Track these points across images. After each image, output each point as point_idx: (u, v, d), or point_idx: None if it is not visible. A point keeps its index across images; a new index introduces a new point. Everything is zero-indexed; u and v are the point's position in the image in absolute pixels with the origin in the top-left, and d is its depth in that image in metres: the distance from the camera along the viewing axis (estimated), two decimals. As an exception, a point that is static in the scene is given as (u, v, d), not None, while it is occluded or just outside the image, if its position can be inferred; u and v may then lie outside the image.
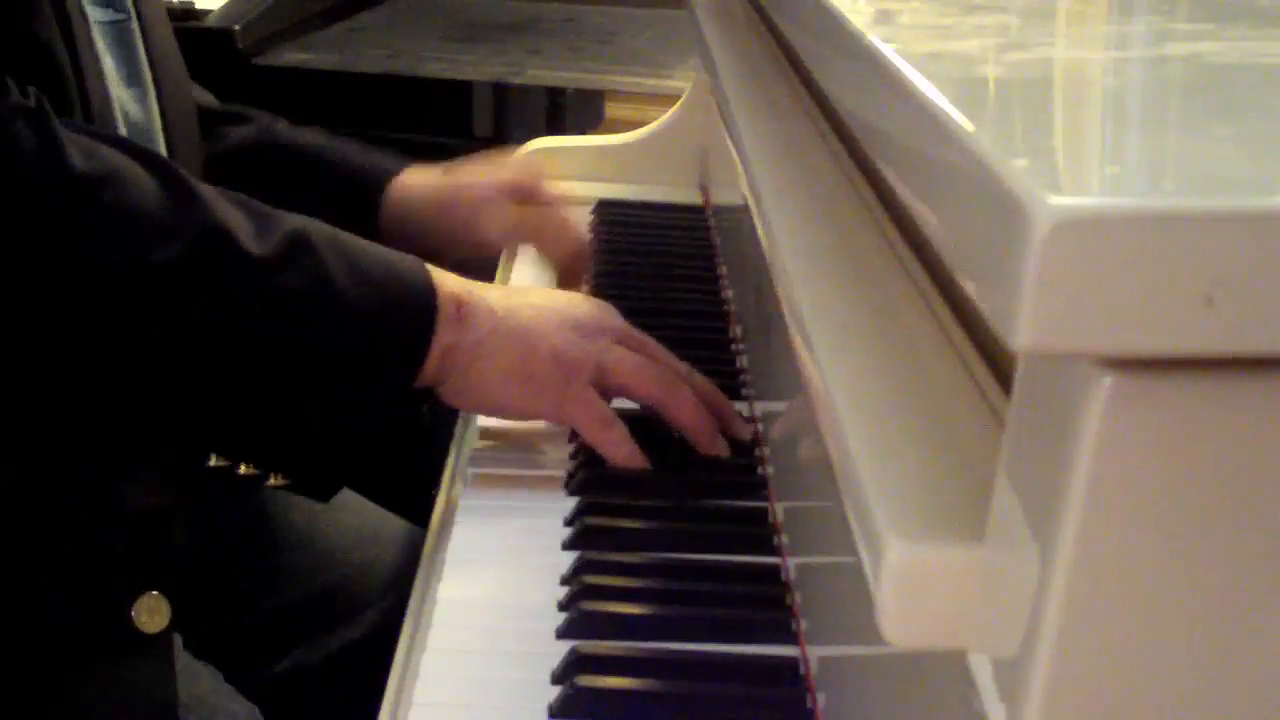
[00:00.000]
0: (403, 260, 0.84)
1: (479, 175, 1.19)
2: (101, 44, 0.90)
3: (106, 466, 0.85)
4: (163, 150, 0.96)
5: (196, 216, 0.76)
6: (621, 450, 0.88)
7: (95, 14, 0.91)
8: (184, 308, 0.77)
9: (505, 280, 1.20)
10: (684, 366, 0.92)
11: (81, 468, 0.84)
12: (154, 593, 0.85)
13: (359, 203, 1.12)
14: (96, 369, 0.79)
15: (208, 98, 1.16)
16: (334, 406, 0.84)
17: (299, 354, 0.80)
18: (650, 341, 0.92)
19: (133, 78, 0.94)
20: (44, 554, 0.84)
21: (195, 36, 1.78)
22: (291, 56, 1.85)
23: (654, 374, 0.89)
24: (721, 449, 0.90)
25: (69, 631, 0.84)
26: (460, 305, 0.84)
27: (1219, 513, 0.33)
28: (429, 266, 0.85)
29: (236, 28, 1.79)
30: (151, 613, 0.85)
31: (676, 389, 0.90)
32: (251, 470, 0.84)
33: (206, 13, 1.84)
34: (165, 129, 0.97)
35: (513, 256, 1.23)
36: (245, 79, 1.77)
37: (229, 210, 0.78)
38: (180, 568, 0.88)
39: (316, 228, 0.81)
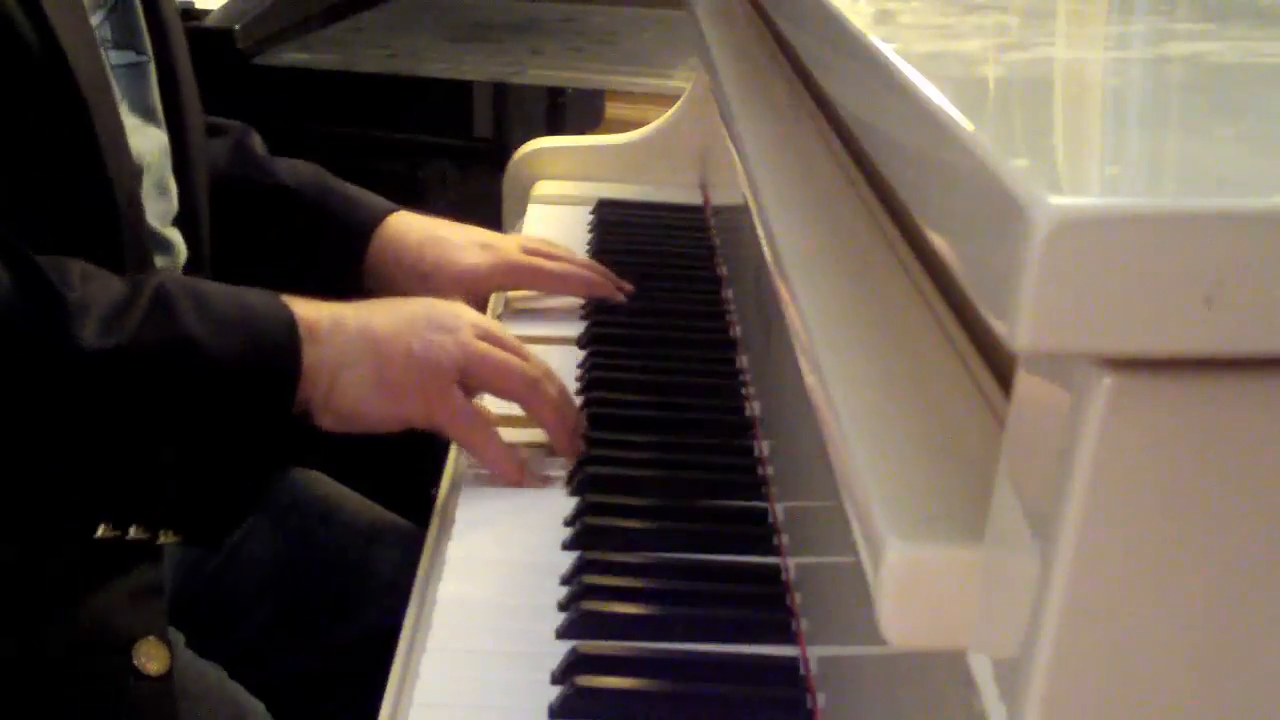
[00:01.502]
0: (257, 295, 0.85)
1: (471, 261, 1.12)
2: (118, 86, 0.90)
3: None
4: (173, 185, 0.97)
5: (53, 326, 0.77)
6: (490, 452, 0.88)
7: (115, 58, 0.92)
8: (51, 404, 0.78)
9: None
10: (543, 365, 0.92)
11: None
12: (151, 638, 0.85)
13: (340, 255, 1.11)
14: None
15: None
16: (213, 452, 0.84)
17: (170, 411, 0.80)
18: (509, 337, 0.92)
19: (148, 116, 0.95)
20: (43, 605, 0.85)
21: (195, 36, 1.77)
22: (291, 56, 1.85)
23: (517, 371, 0.89)
24: (578, 452, 0.91)
25: (70, 675, 0.84)
26: (313, 326, 0.84)
27: (1219, 512, 0.33)
28: (281, 296, 0.85)
29: (236, 28, 1.79)
30: (151, 658, 0.85)
31: (538, 387, 0.90)
32: (141, 534, 0.85)
33: (206, 13, 1.84)
34: (177, 166, 0.97)
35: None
36: (245, 79, 1.77)
37: (90, 297, 0.78)
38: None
39: (175, 283, 0.82)
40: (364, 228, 1.10)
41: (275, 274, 1.06)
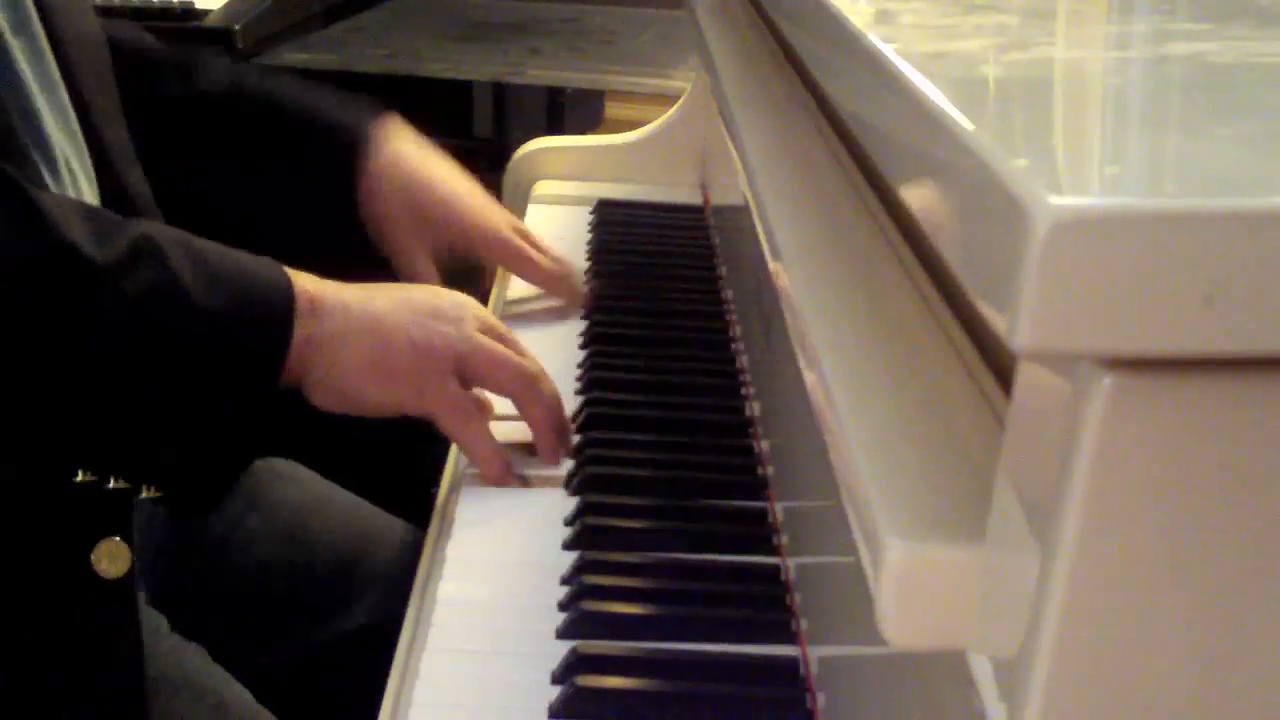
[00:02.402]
0: (257, 261, 0.84)
1: (477, 212, 1.13)
2: None
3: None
4: (62, 86, 0.93)
5: (42, 235, 0.75)
6: (480, 447, 0.88)
7: None
8: (34, 327, 0.76)
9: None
10: (538, 367, 0.91)
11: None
12: (115, 538, 0.84)
13: (335, 167, 1.10)
14: None
15: (150, 39, 1.14)
16: (198, 411, 0.83)
17: (153, 360, 0.79)
18: (510, 334, 0.92)
19: (18, 24, 0.91)
20: None
21: (195, 36, 1.78)
22: (291, 56, 1.85)
23: (513, 368, 0.89)
24: (563, 460, 0.91)
25: (27, 576, 0.84)
26: (314, 300, 0.83)
27: (1219, 512, 0.33)
28: (284, 267, 0.84)
29: (236, 28, 1.79)
30: (113, 558, 0.84)
31: (533, 387, 0.90)
32: (121, 484, 0.84)
33: (206, 13, 1.84)
34: (63, 66, 0.93)
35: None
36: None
37: (73, 222, 0.77)
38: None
39: (164, 232, 0.81)
40: (349, 160, 1.09)
41: (256, 203, 1.06)
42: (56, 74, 0.92)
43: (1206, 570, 0.34)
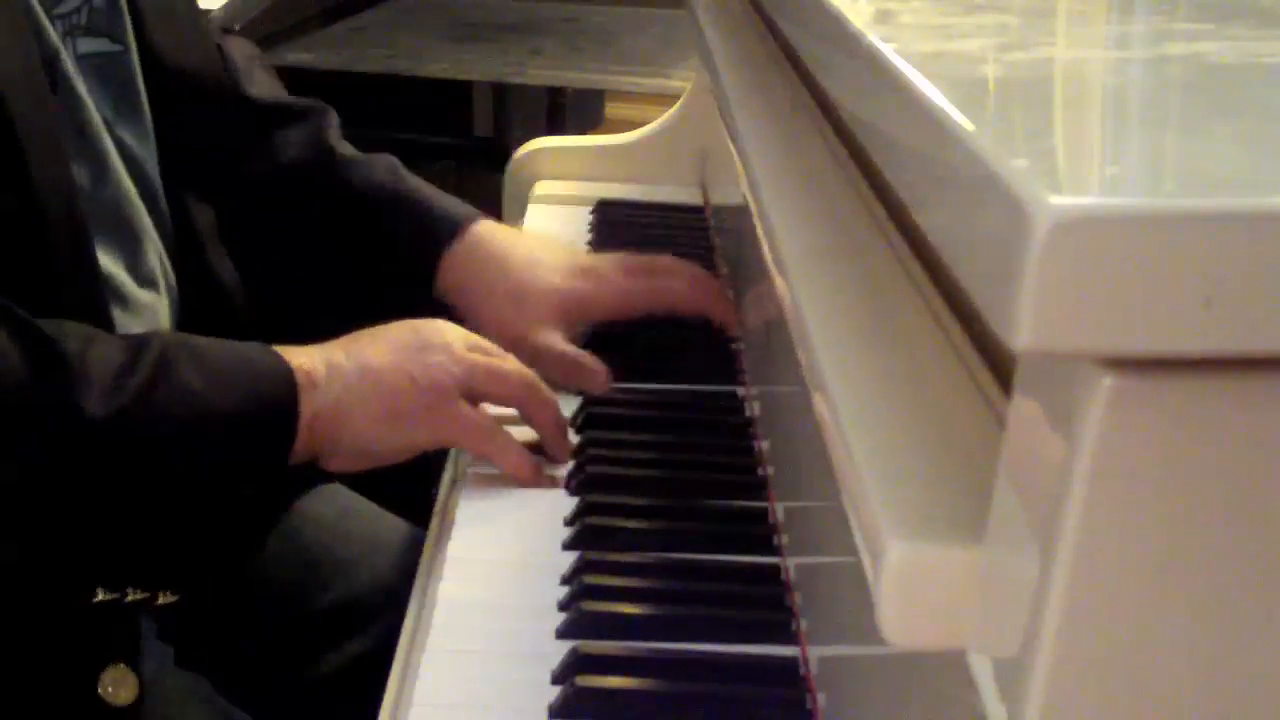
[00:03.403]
0: (249, 348, 0.84)
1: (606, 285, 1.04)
2: (82, 79, 0.88)
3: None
4: (159, 190, 0.95)
5: (56, 394, 0.76)
6: (510, 458, 0.88)
7: (83, 46, 0.90)
8: (55, 474, 0.77)
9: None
10: (530, 373, 0.91)
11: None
12: (121, 665, 0.85)
13: (416, 261, 1.05)
14: None
15: (262, 89, 1.12)
16: (215, 511, 0.85)
17: (181, 480, 0.81)
18: (495, 346, 0.92)
19: (123, 113, 0.93)
20: (6, 630, 0.84)
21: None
22: (291, 56, 1.85)
23: (514, 379, 0.90)
24: (567, 454, 0.91)
25: (34, 702, 0.84)
26: (310, 374, 0.83)
27: (1218, 513, 0.33)
28: (274, 348, 0.85)
29: (236, 28, 1.79)
30: (120, 685, 0.84)
31: (535, 393, 0.90)
32: (138, 595, 0.84)
33: (207, 13, 1.84)
34: (164, 164, 0.95)
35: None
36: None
37: (90, 364, 0.77)
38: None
39: (168, 344, 0.81)
40: (436, 241, 1.04)
41: (338, 282, 1.05)
42: (154, 157, 0.94)
43: (1206, 570, 0.34)
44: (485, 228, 1.05)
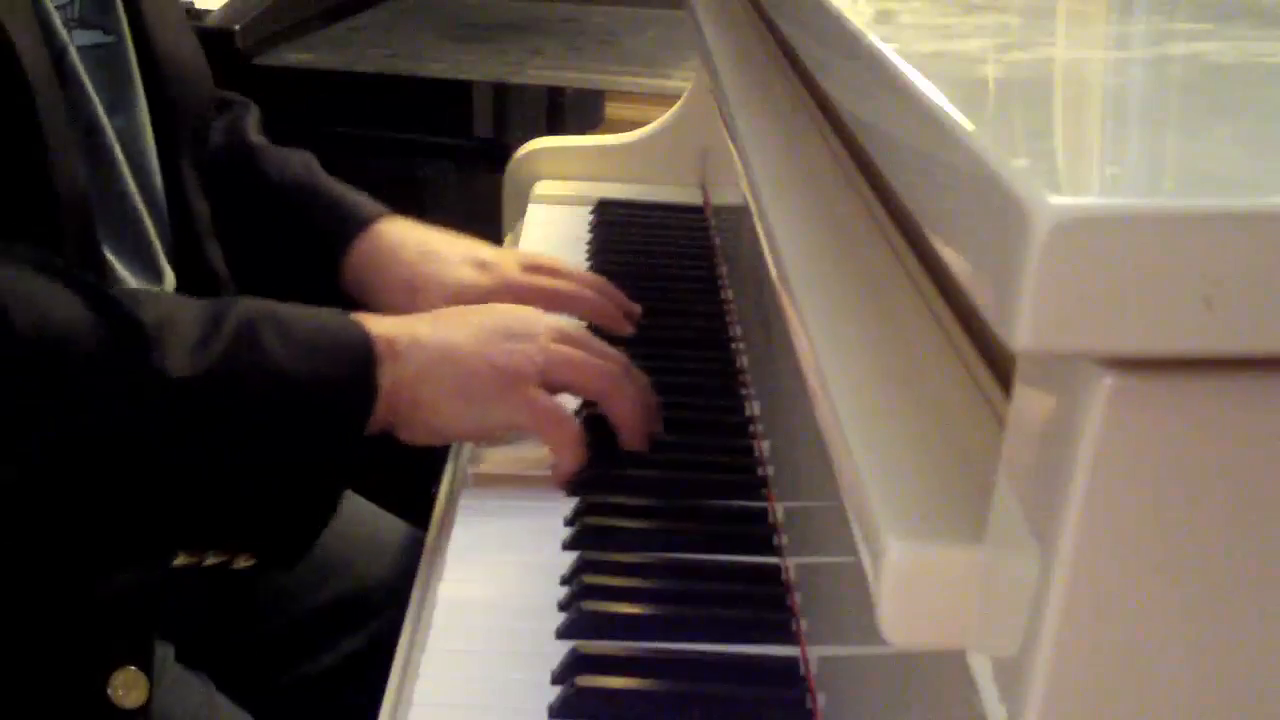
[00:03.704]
0: (331, 314, 0.84)
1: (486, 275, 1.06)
2: (83, 68, 0.88)
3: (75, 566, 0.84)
4: (158, 178, 0.95)
5: (137, 357, 0.76)
6: (567, 453, 0.88)
7: (78, 38, 0.90)
8: (135, 440, 0.77)
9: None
10: (623, 359, 0.91)
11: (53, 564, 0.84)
12: (131, 668, 0.84)
13: (323, 254, 1.07)
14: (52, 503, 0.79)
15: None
16: (297, 479, 0.84)
17: (262, 445, 0.80)
18: (586, 334, 0.92)
19: (118, 102, 0.93)
20: (16, 631, 0.84)
21: (196, 37, 1.78)
22: (291, 56, 1.85)
23: (595, 369, 0.89)
24: (645, 445, 0.91)
25: (42, 702, 0.84)
26: (391, 343, 0.83)
27: (1218, 512, 0.33)
28: (354, 315, 0.85)
29: (236, 28, 1.79)
30: (130, 687, 0.84)
31: (618, 384, 0.90)
32: (218, 558, 0.84)
33: (206, 13, 1.84)
34: (162, 153, 0.96)
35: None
36: (245, 79, 1.77)
37: (171, 324, 0.78)
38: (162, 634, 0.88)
39: (252, 309, 0.81)
40: (343, 235, 1.06)
41: (253, 272, 1.05)
42: (153, 149, 0.94)
43: (1206, 570, 0.34)
44: (390, 224, 1.07)
